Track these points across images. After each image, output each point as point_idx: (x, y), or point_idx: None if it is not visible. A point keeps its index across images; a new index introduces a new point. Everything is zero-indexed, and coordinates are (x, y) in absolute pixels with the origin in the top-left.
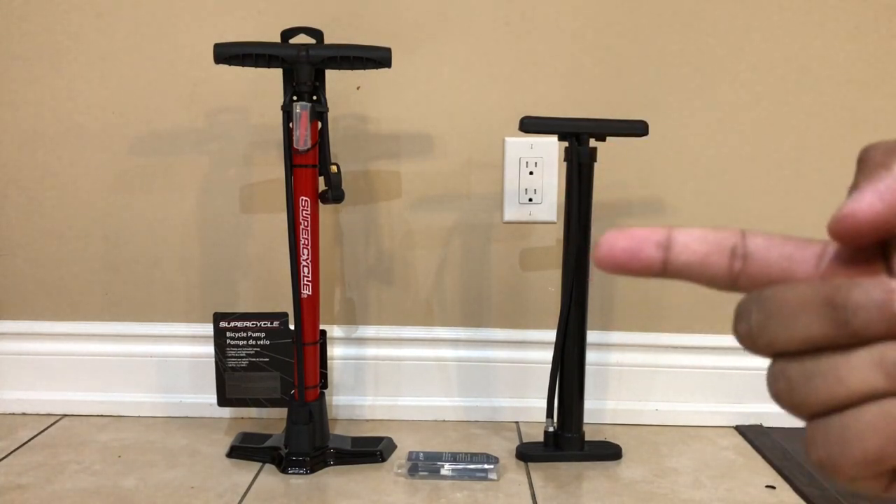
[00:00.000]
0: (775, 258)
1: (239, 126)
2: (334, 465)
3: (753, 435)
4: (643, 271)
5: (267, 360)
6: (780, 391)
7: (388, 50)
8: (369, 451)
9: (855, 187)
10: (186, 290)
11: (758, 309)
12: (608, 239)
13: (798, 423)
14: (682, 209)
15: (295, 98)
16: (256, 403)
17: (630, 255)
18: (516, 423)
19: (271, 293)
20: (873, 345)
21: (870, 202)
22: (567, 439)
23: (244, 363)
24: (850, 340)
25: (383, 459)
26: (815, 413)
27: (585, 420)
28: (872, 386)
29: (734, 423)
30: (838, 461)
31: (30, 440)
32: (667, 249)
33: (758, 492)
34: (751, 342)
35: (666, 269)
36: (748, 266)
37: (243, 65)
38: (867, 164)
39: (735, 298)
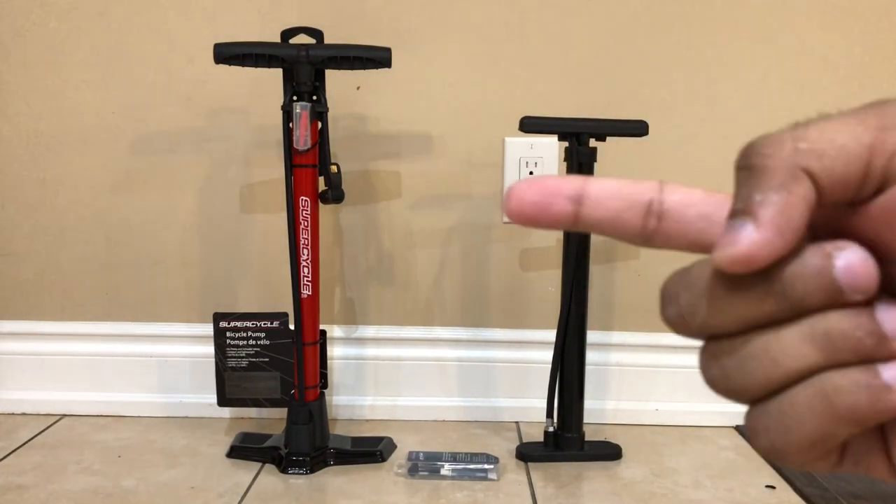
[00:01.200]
0: (692, 217)
1: (239, 126)
2: (334, 465)
3: None
4: (553, 225)
5: (267, 360)
6: (715, 379)
7: (388, 50)
8: (369, 451)
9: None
10: (186, 290)
11: (686, 290)
12: (517, 191)
13: None
14: None
15: (295, 98)
16: (256, 403)
17: (539, 209)
18: (516, 423)
19: (271, 293)
20: (803, 318)
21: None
22: (567, 439)
23: (244, 363)
24: (787, 315)
25: (383, 459)
26: (755, 398)
27: (585, 420)
28: (806, 362)
29: (734, 423)
30: (783, 449)
31: (30, 440)
32: (579, 203)
33: (758, 492)
34: (682, 326)
35: (577, 223)
36: (663, 224)
37: (243, 65)
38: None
39: None
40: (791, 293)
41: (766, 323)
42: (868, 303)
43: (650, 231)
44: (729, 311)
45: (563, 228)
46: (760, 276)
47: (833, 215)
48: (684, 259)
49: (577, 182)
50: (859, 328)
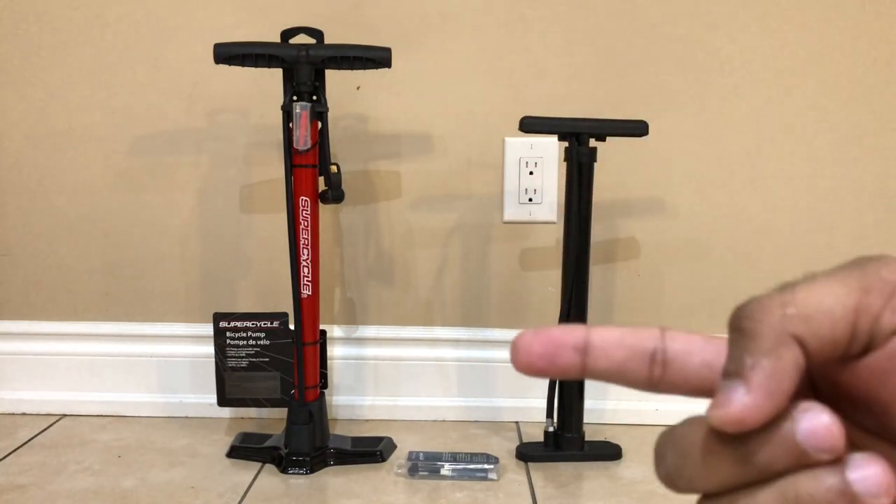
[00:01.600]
0: (695, 365)
1: (239, 126)
2: (334, 465)
3: None
4: (562, 375)
5: (267, 360)
6: None
7: (388, 50)
8: (369, 451)
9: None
10: (186, 290)
11: (672, 451)
12: (524, 344)
13: None
14: (682, 209)
15: (295, 98)
16: (256, 403)
17: (548, 362)
18: (516, 423)
19: (271, 293)
20: (777, 480)
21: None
22: (567, 439)
23: (244, 363)
24: (759, 478)
25: (383, 459)
26: None
27: (585, 420)
28: None
29: None
30: None
31: (30, 440)
32: (584, 353)
33: None
34: (672, 485)
35: (585, 373)
36: (668, 372)
37: (243, 65)
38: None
39: (736, 294)
40: (757, 459)
41: (742, 485)
42: (839, 460)
43: (656, 379)
44: (705, 475)
45: (572, 378)
46: (729, 440)
47: (829, 366)
48: (679, 263)
49: (580, 332)
50: (829, 491)
